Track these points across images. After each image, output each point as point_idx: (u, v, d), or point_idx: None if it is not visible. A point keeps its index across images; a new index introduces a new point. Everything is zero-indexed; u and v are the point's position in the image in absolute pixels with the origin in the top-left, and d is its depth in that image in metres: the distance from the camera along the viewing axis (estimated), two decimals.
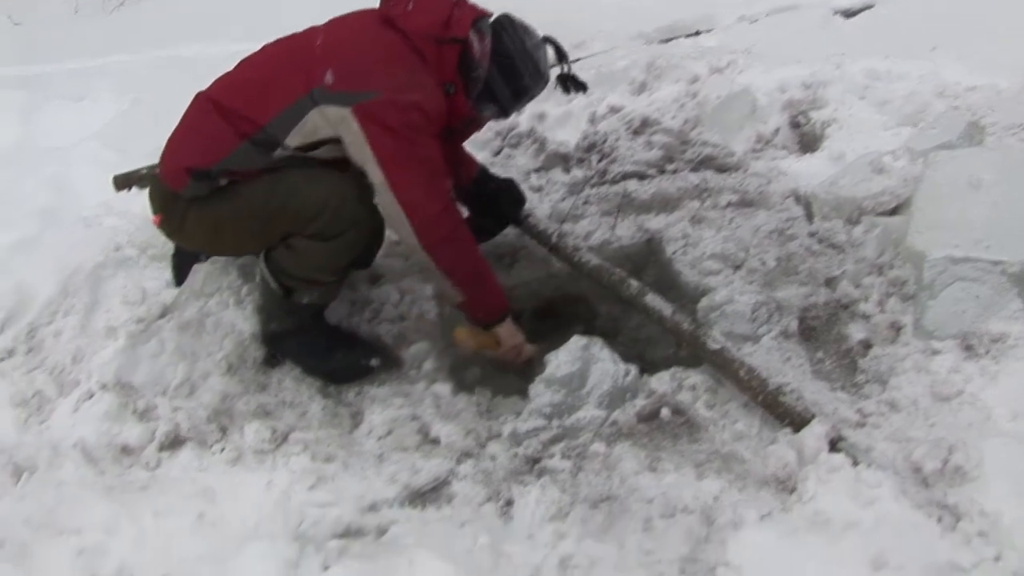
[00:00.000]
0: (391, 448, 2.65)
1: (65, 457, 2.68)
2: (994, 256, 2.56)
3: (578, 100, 4.22)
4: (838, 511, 2.09)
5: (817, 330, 2.88)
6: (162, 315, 3.21)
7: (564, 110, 4.17)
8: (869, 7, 4.82)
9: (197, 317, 3.12)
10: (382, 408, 2.78)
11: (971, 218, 2.66)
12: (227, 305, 3.16)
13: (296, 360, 3.00)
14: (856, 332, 2.80)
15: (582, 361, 2.64)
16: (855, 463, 2.20)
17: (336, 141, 2.67)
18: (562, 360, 2.64)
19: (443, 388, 2.86)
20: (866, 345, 2.76)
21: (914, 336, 2.66)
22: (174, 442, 2.72)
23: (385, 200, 2.68)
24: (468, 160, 3.36)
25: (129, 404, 2.82)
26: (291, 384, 2.94)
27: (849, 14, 4.80)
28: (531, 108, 4.17)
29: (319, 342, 2.98)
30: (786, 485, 2.24)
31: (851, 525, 2.06)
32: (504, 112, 2.97)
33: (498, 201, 3.35)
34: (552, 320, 3.42)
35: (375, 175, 2.64)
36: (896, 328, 2.73)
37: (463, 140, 3.30)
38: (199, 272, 3.25)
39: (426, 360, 3.00)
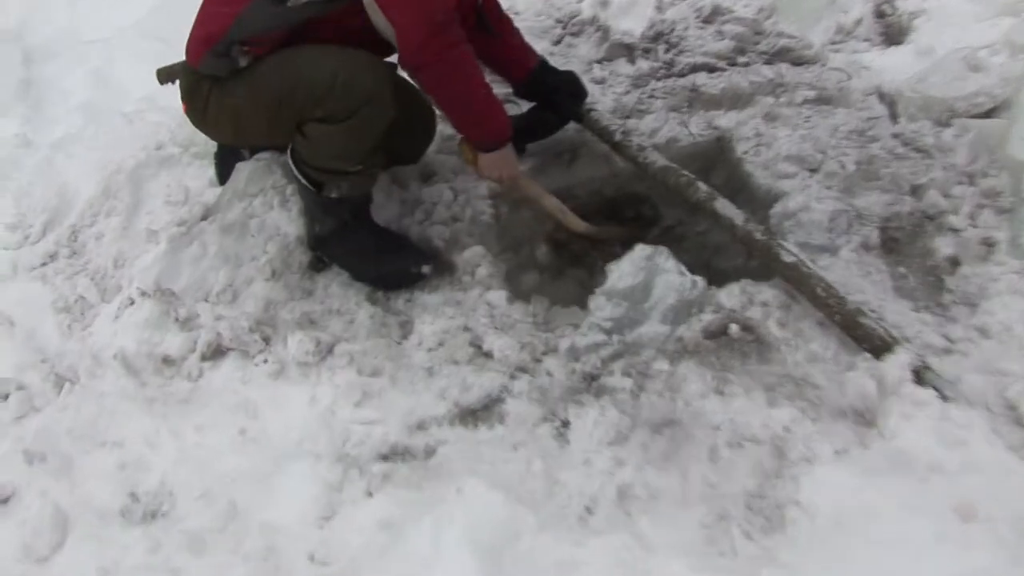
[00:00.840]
0: (441, 361, 2.52)
1: (107, 367, 2.62)
2: None
3: None
4: (922, 451, 1.93)
5: (900, 242, 2.67)
6: (204, 217, 3.08)
7: None
8: None
9: (240, 219, 3.00)
10: (433, 318, 2.65)
11: None
12: (271, 206, 3.02)
13: (343, 264, 2.86)
14: (944, 247, 2.59)
15: (646, 272, 2.47)
16: (943, 398, 2.02)
17: None
18: (625, 271, 2.47)
19: (497, 296, 2.71)
20: (954, 262, 2.54)
21: (1009, 255, 2.45)
22: (216, 352, 2.63)
23: (373, 11, 2.50)
24: (524, 51, 3.12)
25: (170, 312, 2.72)
26: (338, 290, 2.81)
27: None
28: None
29: (367, 245, 2.83)
30: (865, 418, 2.08)
31: (936, 468, 1.90)
32: None
33: (558, 95, 3.13)
34: (615, 222, 3.22)
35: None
36: (988, 245, 2.52)
37: None
38: (242, 171, 3.11)
39: (480, 265, 2.84)
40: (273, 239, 2.91)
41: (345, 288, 2.82)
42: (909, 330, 2.35)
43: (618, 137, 3.05)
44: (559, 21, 3.86)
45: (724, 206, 2.67)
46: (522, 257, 3.09)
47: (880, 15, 3.60)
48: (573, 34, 3.83)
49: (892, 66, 3.31)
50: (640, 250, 2.51)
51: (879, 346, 2.22)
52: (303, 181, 2.76)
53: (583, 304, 2.67)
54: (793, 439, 2.07)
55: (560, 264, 3.11)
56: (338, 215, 2.80)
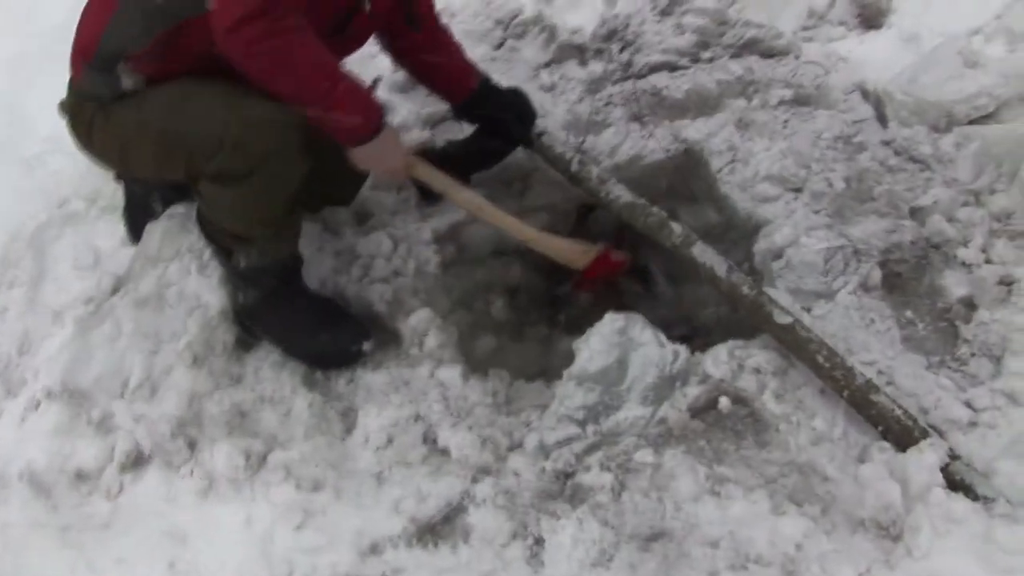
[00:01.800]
0: (392, 463, 2.19)
1: (11, 490, 2.26)
2: None
3: None
4: None
5: (904, 279, 2.36)
6: (116, 289, 2.71)
7: None
8: None
9: (155, 289, 2.62)
10: (379, 408, 2.30)
11: None
12: (189, 272, 2.64)
13: (273, 339, 2.51)
14: (955, 285, 2.28)
15: (620, 348, 2.13)
16: (982, 502, 1.72)
17: None
18: (595, 349, 2.13)
19: (451, 374, 2.37)
20: (968, 305, 2.25)
21: None
22: (136, 461, 2.28)
23: None
24: (465, 68, 2.75)
25: (82, 414, 2.36)
26: (270, 373, 2.46)
27: None
28: None
29: (299, 318, 2.48)
30: (889, 532, 1.78)
31: None
32: None
33: (504, 117, 2.75)
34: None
35: None
36: (1007, 284, 2.22)
37: None
38: (154, 233, 2.73)
39: (428, 333, 2.49)
40: (194, 313, 2.54)
41: (278, 370, 2.47)
42: (926, 399, 2.06)
43: (575, 167, 2.68)
44: (499, 22, 3.46)
45: (703, 252, 2.34)
46: (476, 315, 2.76)
47: None
48: (516, 36, 3.43)
49: (874, 57, 2.97)
50: (610, 321, 2.17)
51: (897, 431, 1.92)
52: (213, 247, 2.45)
53: (548, 375, 2.35)
54: (806, 559, 1.77)
55: (518, 320, 2.78)
56: (262, 284, 2.46)
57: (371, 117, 2.25)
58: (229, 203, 2.28)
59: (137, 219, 2.83)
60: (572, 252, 2.59)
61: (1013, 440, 1.90)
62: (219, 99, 2.17)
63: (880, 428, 1.96)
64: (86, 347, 2.52)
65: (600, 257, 2.59)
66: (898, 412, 1.94)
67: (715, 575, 1.81)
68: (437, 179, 2.51)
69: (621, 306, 2.34)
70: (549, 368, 2.58)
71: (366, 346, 2.46)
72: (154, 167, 2.36)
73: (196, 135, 2.18)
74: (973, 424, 1.98)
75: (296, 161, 2.25)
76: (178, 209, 2.82)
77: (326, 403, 2.39)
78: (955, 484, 1.80)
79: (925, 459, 1.79)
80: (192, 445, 2.30)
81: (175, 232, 2.73)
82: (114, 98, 2.26)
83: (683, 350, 2.20)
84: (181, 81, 2.22)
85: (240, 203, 2.26)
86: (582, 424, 2.12)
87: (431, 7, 2.67)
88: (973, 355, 2.14)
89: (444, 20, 3.46)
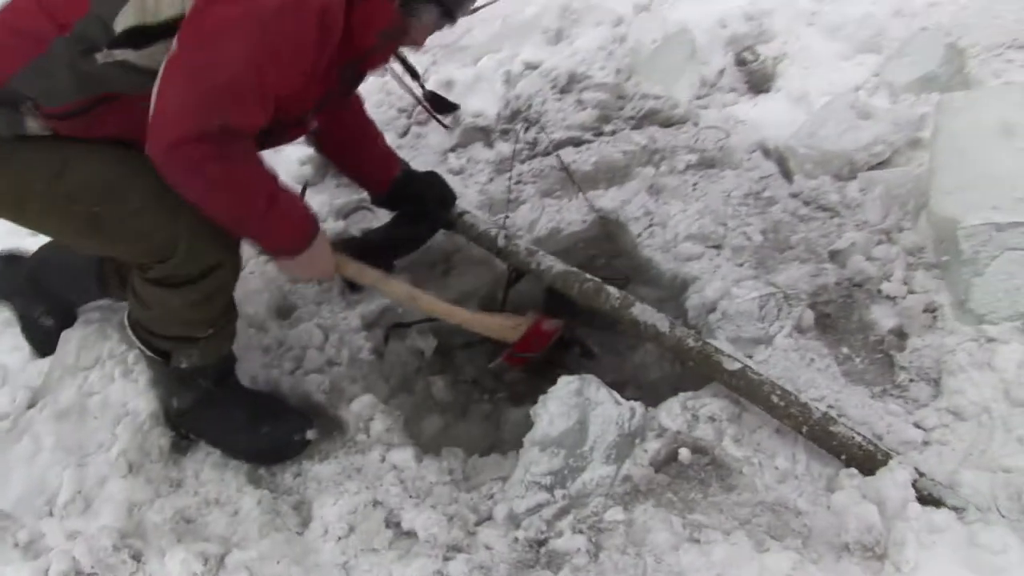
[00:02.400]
0: (357, 551, 2.10)
1: None
2: None
3: (486, 59, 3.65)
4: None
5: (834, 318, 2.45)
6: (32, 403, 2.55)
7: (473, 72, 3.57)
8: None
9: (77, 400, 2.50)
10: (334, 497, 2.22)
11: (1007, 173, 2.24)
12: (112, 379, 2.53)
13: (212, 441, 2.41)
14: (883, 318, 2.38)
15: (579, 410, 2.13)
16: (958, 513, 1.77)
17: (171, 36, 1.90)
18: (555, 413, 2.12)
19: (403, 456, 2.31)
20: (899, 334, 2.34)
21: (958, 320, 2.25)
22: None
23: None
24: (386, 157, 2.73)
25: (7, 537, 2.18)
26: (212, 474, 2.36)
27: None
28: (436, 75, 3.60)
29: (237, 415, 2.38)
30: (874, 552, 1.80)
31: None
32: (449, 12, 2.11)
33: (423, 204, 2.74)
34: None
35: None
36: (931, 311, 2.32)
37: (353, 88, 2.46)
38: (70, 341, 2.61)
39: (373, 418, 2.44)
40: (122, 421, 2.43)
41: (220, 470, 2.37)
42: (878, 425, 2.12)
43: (502, 242, 2.71)
44: (402, 110, 3.51)
45: (643, 312, 2.38)
46: (418, 398, 2.72)
47: (742, 63, 3.44)
48: (420, 123, 3.49)
49: (769, 118, 3.13)
50: (565, 384, 2.17)
51: (860, 457, 1.97)
52: (146, 351, 2.32)
53: (501, 449, 2.32)
54: None
55: (461, 398, 2.75)
56: (197, 386, 2.37)
57: (306, 231, 2.20)
58: (172, 305, 2.18)
59: (35, 330, 2.71)
60: (504, 328, 2.60)
61: (967, 452, 1.98)
62: (159, 200, 2.00)
63: (843, 457, 2.00)
64: (4, 466, 2.38)
65: (531, 329, 2.60)
66: (859, 439, 1.99)
67: None
68: (366, 275, 2.49)
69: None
70: (500, 442, 2.56)
71: (310, 434, 2.39)
72: (68, 239, 2.23)
73: (143, 239, 2.07)
74: (927, 443, 2.05)
75: (239, 263, 2.21)
76: (93, 316, 2.72)
77: (276, 498, 2.30)
78: (925, 499, 1.85)
79: (897, 477, 1.84)
80: (137, 557, 2.15)
81: (93, 339, 2.62)
82: (13, 137, 2.02)
83: (639, 406, 2.21)
84: (103, 156, 2.04)
85: (185, 306, 2.17)
86: (550, 489, 2.09)
87: (360, 99, 2.67)
88: (912, 380, 2.23)
89: None
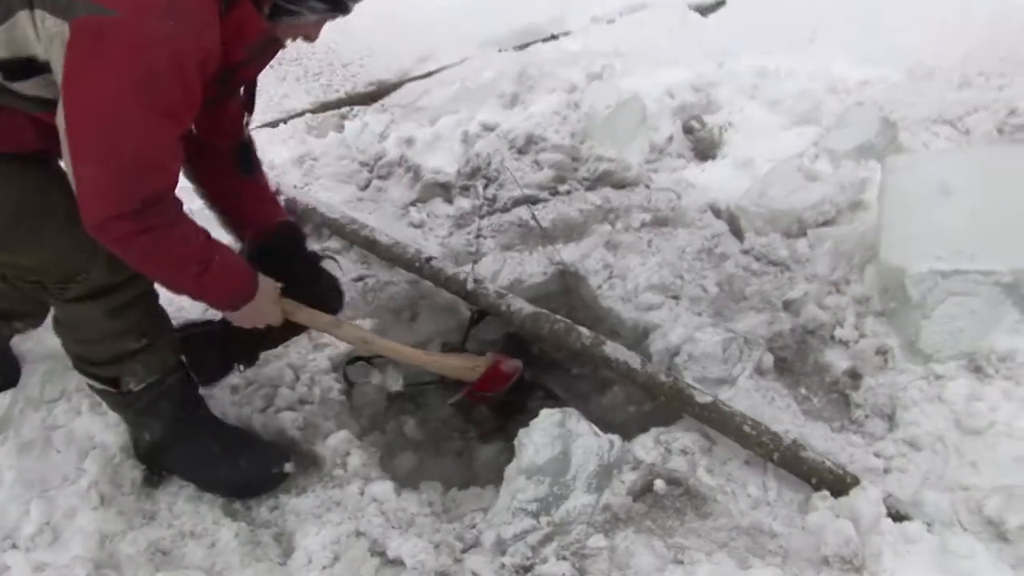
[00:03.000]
0: None
1: None
2: (984, 266, 2.35)
3: (445, 119, 3.78)
4: None
5: (791, 362, 2.60)
6: None
7: (432, 132, 3.70)
8: (721, 3, 4.64)
9: (41, 433, 2.48)
10: (317, 527, 2.23)
11: (948, 227, 2.45)
12: (78, 412, 2.53)
13: (186, 474, 2.40)
14: (838, 360, 2.54)
15: (562, 440, 2.21)
16: (928, 527, 1.90)
17: (48, 72, 1.80)
18: (539, 443, 2.19)
19: (383, 489, 2.34)
20: (853, 375, 2.50)
21: (909, 361, 2.42)
22: None
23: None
24: (260, 197, 2.51)
25: None
26: (186, 507, 2.34)
27: (703, 10, 4.60)
28: (396, 132, 3.72)
29: (211, 447, 2.38)
30: (852, 564, 1.91)
31: None
32: (337, 4, 1.92)
33: (318, 291, 2.54)
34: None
35: (60, 124, 1.80)
36: (882, 353, 2.48)
37: (250, 79, 2.24)
38: (34, 374, 2.60)
39: (350, 453, 2.47)
40: (90, 454, 2.41)
41: (195, 503, 2.36)
42: (841, 455, 2.26)
43: (471, 285, 2.81)
44: (364, 164, 3.60)
45: (615, 349, 2.49)
46: (390, 436, 2.76)
47: (689, 130, 3.64)
48: (381, 176, 3.58)
49: (717, 181, 3.32)
50: (548, 416, 2.25)
51: (830, 480, 2.10)
52: (96, 385, 2.30)
53: (481, 481, 2.38)
54: None
55: (432, 436, 2.80)
56: (163, 413, 2.34)
57: (244, 290, 2.20)
58: (98, 316, 2.14)
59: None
60: (463, 368, 2.65)
61: (925, 477, 2.14)
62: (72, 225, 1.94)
63: (814, 480, 2.12)
64: None
65: (490, 369, 2.65)
66: (828, 464, 2.12)
67: None
68: (317, 320, 2.46)
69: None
70: (474, 477, 2.60)
71: (288, 467, 2.40)
72: None
73: (50, 260, 2.05)
74: (887, 470, 2.19)
75: None
76: (59, 349, 2.70)
77: (253, 530, 2.30)
78: (894, 516, 1.98)
79: (870, 495, 1.97)
80: None
81: (59, 372, 2.61)
82: None
83: (616, 439, 2.29)
84: (21, 179, 1.99)
85: (107, 314, 2.14)
86: (536, 515, 2.15)
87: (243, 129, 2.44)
88: (867, 416, 2.38)
89: (307, 163, 3.59)
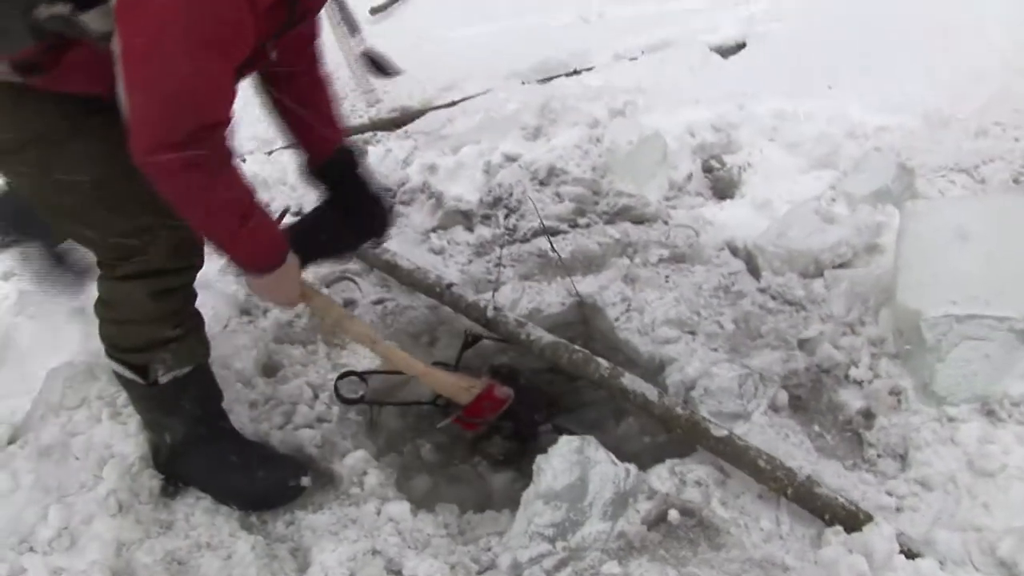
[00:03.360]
0: None
1: None
2: (999, 312, 2.39)
3: (467, 149, 3.85)
4: None
5: (805, 400, 2.63)
6: (12, 440, 2.55)
7: (455, 160, 3.76)
8: (742, 46, 4.72)
9: (60, 439, 2.52)
10: (333, 543, 2.26)
11: (964, 272, 2.49)
12: (98, 420, 2.57)
13: (203, 485, 2.42)
14: (851, 400, 2.58)
15: (580, 467, 2.24)
16: (941, 565, 1.94)
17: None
18: (558, 469, 2.23)
19: (400, 509, 2.37)
20: (867, 415, 2.53)
21: (921, 402, 2.46)
22: None
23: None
24: (331, 122, 2.55)
25: None
26: (203, 519, 2.37)
27: (723, 52, 4.68)
28: (420, 159, 3.78)
29: (229, 458, 2.41)
30: None
31: None
32: None
33: (360, 216, 2.63)
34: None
35: (115, 53, 1.80)
36: (896, 394, 2.52)
37: (315, 7, 2.16)
38: (56, 379, 2.64)
39: (367, 473, 2.50)
40: (109, 462, 2.44)
41: (211, 515, 2.38)
42: (853, 492, 2.28)
43: (491, 313, 2.85)
44: (387, 190, 3.66)
45: (632, 381, 2.54)
46: (407, 457, 2.79)
47: (708, 170, 3.70)
48: (404, 202, 3.65)
49: (735, 220, 3.37)
50: (567, 443, 2.29)
51: (843, 516, 2.13)
52: (126, 374, 2.31)
53: (499, 506, 2.41)
54: None
55: (449, 461, 2.83)
56: (185, 412, 2.37)
57: (272, 256, 2.21)
58: (140, 297, 2.18)
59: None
60: (457, 388, 2.65)
61: (936, 517, 2.16)
62: (133, 189, 1.99)
63: (827, 516, 2.15)
64: None
65: (483, 394, 2.66)
66: (841, 500, 2.15)
67: None
68: (331, 310, 2.50)
69: None
70: (487, 503, 2.63)
71: (305, 481, 2.41)
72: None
73: (122, 242, 2.11)
74: (899, 509, 2.22)
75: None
76: (80, 356, 2.75)
77: (270, 544, 2.32)
78: (907, 553, 2.01)
79: (883, 531, 2.00)
80: None
81: (81, 379, 2.66)
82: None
83: (632, 468, 2.33)
84: (94, 147, 2.02)
85: (151, 296, 2.18)
86: (552, 540, 2.18)
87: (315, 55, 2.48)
88: (880, 456, 2.41)
89: None
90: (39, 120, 1.99)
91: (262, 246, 2.17)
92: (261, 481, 2.39)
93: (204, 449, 2.40)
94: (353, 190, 2.59)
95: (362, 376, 2.77)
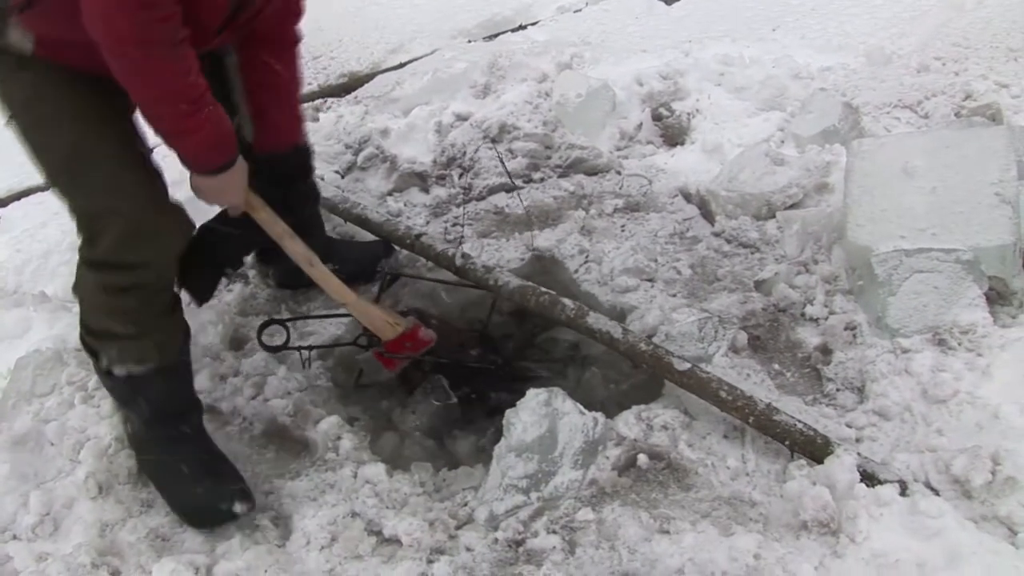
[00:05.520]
0: (342, 559, 2.19)
1: None
2: (946, 244, 2.47)
3: (418, 110, 3.85)
4: (902, 550, 1.90)
5: (764, 339, 2.70)
6: None
7: (406, 122, 3.76)
8: None
9: (34, 426, 2.55)
10: (313, 509, 2.31)
11: (911, 207, 2.56)
12: (71, 405, 2.60)
13: (150, 477, 2.41)
14: (809, 337, 2.65)
15: (549, 419, 2.30)
16: (902, 491, 2.02)
17: None
18: (527, 421, 2.28)
19: (375, 471, 2.41)
20: (824, 351, 2.60)
21: (875, 336, 2.54)
22: None
23: None
24: (290, 113, 2.64)
25: None
26: None
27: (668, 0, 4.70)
28: (372, 123, 3.78)
29: (178, 466, 2.33)
30: (829, 527, 2.01)
31: (922, 564, 1.87)
32: None
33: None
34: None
35: None
36: (851, 329, 2.60)
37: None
38: (25, 367, 2.65)
39: (341, 438, 2.54)
40: (85, 446, 2.47)
41: None
42: (815, 426, 2.34)
43: (459, 261, 2.89)
44: (348, 146, 3.67)
45: (597, 320, 2.59)
46: (379, 423, 2.82)
47: (658, 118, 3.72)
48: (361, 167, 3.64)
49: (687, 166, 3.41)
50: (535, 396, 2.34)
51: (802, 441, 2.21)
52: (84, 349, 2.33)
53: (471, 460, 2.45)
54: (767, 565, 1.96)
55: (418, 424, 2.87)
56: (140, 410, 2.34)
57: (226, 148, 2.20)
58: (92, 285, 2.21)
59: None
60: (382, 323, 2.65)
61: (894, 444, 2.26)
62: (110, 164, 2.10)
63: (787, 442, 2.24)
64: None
65: (408, 332, 2.68)
66: (800, 426, 2.23)
67: None
68: (273, 225, 2.48)
69: None
70: (456, 455, 2.69)
71: (238, 507, 2.28)
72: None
73: (80, 200, 2.14)
74: (859, 439, 2.30)
75: (169, 272, 2.26)
76: (47, 343, 2.74)
77: (251, 515, 2.35)
78: (863, 475, 2.09)
79: (844, 462, 2.08)
80: (116, 574, 2.19)
81: (49, 366, 2.68)
82: (14, 65, 2.06)
83: (600, 416, 2.38)
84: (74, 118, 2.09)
85: (102, 288, 2.18)
86: (526, 492, 2.24)
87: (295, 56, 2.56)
88: (839, 390, 2.49)
89: None
90: (31, 88, 2.07)
91: (213, 139, 2.15)
92: (196, 496, 2.31)
93: (156, 450, 2.37)
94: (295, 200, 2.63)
95: (284, 323, 2.77)
